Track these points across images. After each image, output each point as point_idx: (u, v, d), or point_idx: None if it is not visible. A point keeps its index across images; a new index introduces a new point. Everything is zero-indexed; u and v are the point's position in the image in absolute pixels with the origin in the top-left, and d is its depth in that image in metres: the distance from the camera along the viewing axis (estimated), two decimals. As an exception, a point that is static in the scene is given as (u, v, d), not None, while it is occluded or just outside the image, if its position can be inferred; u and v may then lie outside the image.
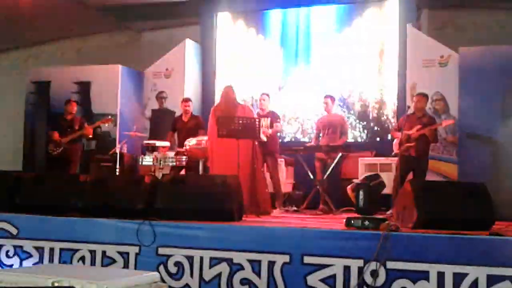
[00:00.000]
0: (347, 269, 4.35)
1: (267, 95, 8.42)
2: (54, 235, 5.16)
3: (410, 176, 7.62)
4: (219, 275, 4.64)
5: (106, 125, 9.65)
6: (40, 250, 5.16)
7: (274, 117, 8.14)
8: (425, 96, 7.95)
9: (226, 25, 11.06)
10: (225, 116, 7.09)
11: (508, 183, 7.79)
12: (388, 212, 7.08)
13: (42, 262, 5.11)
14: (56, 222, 5.24)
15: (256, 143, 7.28)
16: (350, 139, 9.12)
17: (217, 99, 10.87)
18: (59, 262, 5.06)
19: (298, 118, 10.36)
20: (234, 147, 6.80)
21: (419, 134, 7.57)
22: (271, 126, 7.97)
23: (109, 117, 9.59)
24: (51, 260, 5.11)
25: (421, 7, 10.10)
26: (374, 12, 10.16)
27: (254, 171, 7.17)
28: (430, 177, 8.17)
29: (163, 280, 3.82)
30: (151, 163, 8.16)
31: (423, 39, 9.35)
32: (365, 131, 10.02)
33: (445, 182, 7.96)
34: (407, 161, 7.62)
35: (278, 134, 8.10)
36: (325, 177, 8.20)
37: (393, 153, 8.07)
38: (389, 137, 9.30)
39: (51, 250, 5.14)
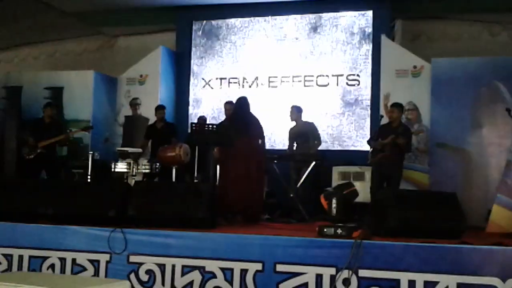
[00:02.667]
0: (319, 277, 4.35)
1: (231, 103, 8.38)
2: (24, 243, 5.07)
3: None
4: (191, 283, 4.61)
5: (87, 133, 9.54)
6: (8, 257, 5.07)
7: None
8: (399, 106, 8.02)
9: (202, 33, 11.07)
10: (198, 123, 7.13)
11: (478, 192, 7.91)
12: (361, 221, 7.12)
13: (11, 270, 5.02)
14: (26, 229, 5.15)
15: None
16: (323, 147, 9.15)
17: (192, 106, 10.93)
18: (28, 270, 4.98)
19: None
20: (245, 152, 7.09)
21: (392, 144, 7.66)
22: None
23: (90, 125, 9.49)
24: (20, 268, 5.02)
25: (395, 18, 10.23)
26: (348, 22, 10.26)
27: (261, 177, 7.48)
28: (402, 186, 8.25)
29: (134, 288, 3.79)
30: (124, 170, 8.09)
31: (397, 49, 9.47)
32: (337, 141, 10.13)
33: (416, 191, 8.04)
34: (381, 171, 7.73)
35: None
36: (298, 185, 8.22)
37: (368, 162, 8.12)
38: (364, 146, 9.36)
39: (20, 257, 5.05)
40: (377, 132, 7.93)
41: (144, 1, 10.47)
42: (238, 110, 7.50)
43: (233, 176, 7.04)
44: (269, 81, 10.57)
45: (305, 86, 10.38)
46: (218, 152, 7.43)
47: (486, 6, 9.49)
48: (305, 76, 10.41)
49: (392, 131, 7.75)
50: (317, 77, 10.36)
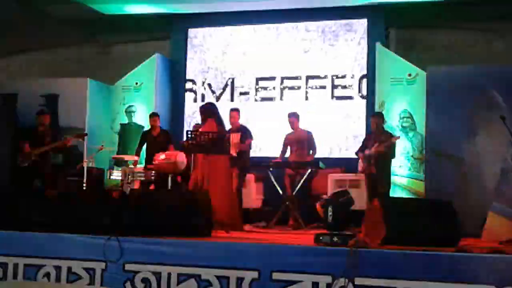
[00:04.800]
0: (315, 285, 4.34)
1: (237, 110, 8.40)
2: (19, 251, 5.04)
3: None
4: (187, 291, 4.59)
5: (81, 140, 9.49)
6: (3, 266, 5.04)
7: (245, 133, 8.11)
8: (378, 115, 8.38)
9: (197, 40, 11.07)
10: (194, 130, 7.09)
11: (473, 199, 7.90)
12: (357, 229, 7.15)
13: (6, 279, 4.99)
14: (21, 237, 5.13)
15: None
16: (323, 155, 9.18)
17: (188, 114, 10.92)
18: (24, 279, 4.95)
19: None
20: (212, 161, 6.82)
21: (376, 152, 7.90)
22: (242, 141, 7.95)
23: (85, 132, 9.46)
24: (15, 276, 4.99)
25: (390, 27, 10.26)
26: (344, 30, 10.28)
27: (229, 186, 7.13)
28: (398, 193, 8.27)
29: (129, 297, 3.76)
30: (119, 178, 8.07)
31: (391, 57, 9.49)
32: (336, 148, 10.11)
33: (412, 199, 8.08)
34: (371, 179, 8.04)
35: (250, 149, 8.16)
36: (294, 193, 8.22)
37: (358, 172, 8.29)
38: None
39: (15, 266, 5.02)
40: (363, 142, 8.33)
41: (139, 9, 10.48)
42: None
43: (215, 186, 6.84)
44: (260, 87, 10.58)
45: (306, 93, 10.38)
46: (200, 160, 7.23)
47: (482, 15, 9.54)
48: (308, 79, 10.38)
49: (375, 139, 8.02)
50: (336, 79, 10.25)
